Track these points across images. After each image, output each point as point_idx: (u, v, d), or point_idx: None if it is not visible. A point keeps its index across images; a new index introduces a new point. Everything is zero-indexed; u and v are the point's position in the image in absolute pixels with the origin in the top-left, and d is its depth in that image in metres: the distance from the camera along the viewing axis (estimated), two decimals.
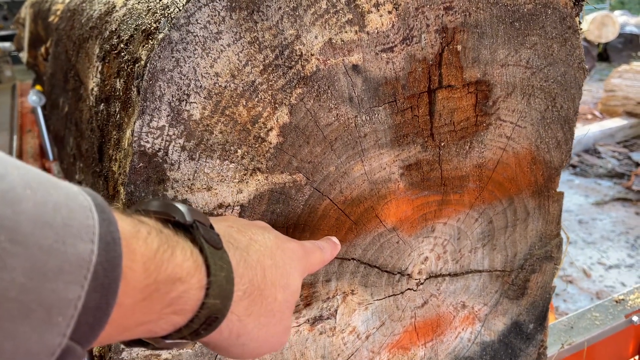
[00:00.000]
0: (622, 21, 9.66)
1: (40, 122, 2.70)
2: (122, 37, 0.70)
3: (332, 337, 0.69)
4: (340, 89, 0.59)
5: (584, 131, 5.12)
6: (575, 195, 4.39)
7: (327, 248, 0.58)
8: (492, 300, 0.82)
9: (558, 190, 0.82)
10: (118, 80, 0.65)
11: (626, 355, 1.18)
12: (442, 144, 0.68)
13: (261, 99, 0.55)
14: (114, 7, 0.90)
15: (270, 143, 0.57)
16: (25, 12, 3.25)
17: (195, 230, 0.41)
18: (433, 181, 0.69)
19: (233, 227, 0.47)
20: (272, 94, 0.55)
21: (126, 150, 0.54)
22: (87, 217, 0.31)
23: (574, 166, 4.93)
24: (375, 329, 0.72)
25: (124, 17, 0.76)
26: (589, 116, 6.26)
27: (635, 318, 1.15)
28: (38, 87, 2.67)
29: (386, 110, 0.62)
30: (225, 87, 0.52)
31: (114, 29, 0.78)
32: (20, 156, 2.97)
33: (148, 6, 0.68)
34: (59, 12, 1.85)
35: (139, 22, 0.66)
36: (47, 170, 2.69)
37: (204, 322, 0.39)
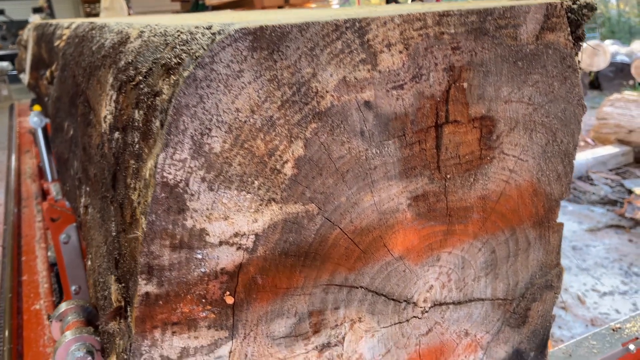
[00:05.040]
0: (613, 50, 9.84)
1: (40, 143, 2.71)
2: (140, 69, 0.72)
3: None
4: (353, 124, 0.61)
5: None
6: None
7: None
8: (494, 328, 0.84)
9: (558, 221, 0.84)
10: (137, 111, 0.67)
11: None
12: (448, 176, 0.70)
13: (278, 133, 0.57)
14: (128, 37, 0.93)
15: (285, 175, 0.59)
16: (28, 34, 3.30)
17: None
18: (439, 212, 0.71)
19: None
20: (289, 129, 0.57)
21: (147, 180, 0.56)
22: None
23: None
24: (380, 356, 0.74)
25: (140, 49, 0.79)
26: (582, 143, 6.34)
27: (632, 346, 1.17)
28: (37, 108, 2.69)
29: (395, 144, 0.65)
30: (245, 121, 0.55)
31: (130, 60, 0.80)
32: (18, 176, 2.98)
33: (165, 40, 0.71)
34: (65, 37, 1.88)
35: (158, 56, 0.69)
36: (46, 191, 2.69)
37: None
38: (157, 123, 0.56)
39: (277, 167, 0.58)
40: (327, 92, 0.58)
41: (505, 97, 0.70)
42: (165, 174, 0.53)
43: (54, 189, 2.47)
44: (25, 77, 3.15)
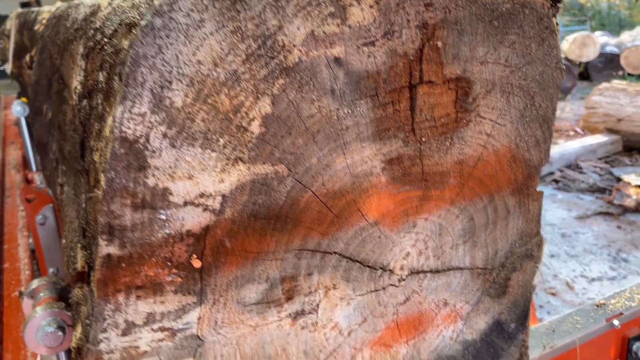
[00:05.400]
0: (603, 41, 9.88)
1: (24, 133, 2.68)
2: (106, 33, 0.70)
3: (314, 333, 0.69)
4: (323, 81, 0.59)
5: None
6: (558, 209, 4.44)
7: None
8: (473, 298, 0.82)
9: (538, 189, 0.83)
10: (101, 72, 0.65)
11: (607, 359, 1.18)
12: (423, 139, 0.68)
13: (243, 88, 0.55)
14: (99, 7, 0.91)
15: (253, 133, 0.57)
16: (10, 23, 3.25)
17: None
18: (414, 176, 0.70)
19: None
20: (255, 84, 0.56)
21: (107, 137, 0.54)
22: None
23: (556, 181, 4.99)
24: (357, 325, 0.72)
25: (109, 15, 0.77)
26: (571, 133, 6.36)
27: (616, 322, 1.16)
28: (23, 99, 2.66)
29: (368, 103, 0.63)
30: (208, 75, 0.53)
31: (97, 27, 0.78)
32: (2, 167, 2.94)
33: (133, 3, 0.69)
34: (44, 21, 1.85)
35: (123, 17, 0.66)
36: (30, 181, 2.66)
37: None
38: (117, 78, 0.54)
39: (244, 125, 0.56)
40: (294, 46, 0.56)
41: (481, 58, 0.69)
42: (124, 129, 0.51)
43: (37, 178, 2.45)
44: (8, 67, 3.10)
